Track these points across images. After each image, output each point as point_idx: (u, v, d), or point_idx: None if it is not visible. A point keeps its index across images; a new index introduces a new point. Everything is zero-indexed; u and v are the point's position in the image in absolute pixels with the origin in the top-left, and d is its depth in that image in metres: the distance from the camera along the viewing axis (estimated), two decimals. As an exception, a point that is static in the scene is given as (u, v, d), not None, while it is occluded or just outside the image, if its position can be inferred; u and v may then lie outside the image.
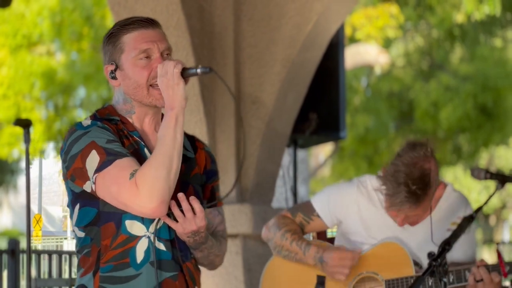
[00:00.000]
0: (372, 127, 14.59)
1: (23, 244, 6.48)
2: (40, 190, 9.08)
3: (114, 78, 2.96)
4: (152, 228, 2.87)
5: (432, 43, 15.54)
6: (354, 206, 3.87)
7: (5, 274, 6.50)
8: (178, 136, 2.82)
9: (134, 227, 2.87)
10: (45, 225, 8.97)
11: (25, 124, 4.64)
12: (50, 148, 13.61)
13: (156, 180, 2.75)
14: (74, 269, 7.37)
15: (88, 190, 2.84)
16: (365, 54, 14.59)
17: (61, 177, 8.99)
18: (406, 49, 15.76)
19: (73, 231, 2.96)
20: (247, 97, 5.46)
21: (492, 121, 14.72)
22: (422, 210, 3.74)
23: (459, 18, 14.27)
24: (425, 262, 3.73)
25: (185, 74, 2.87)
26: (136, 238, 2.86)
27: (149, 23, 2.95)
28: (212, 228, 3.10)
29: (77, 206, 2.90)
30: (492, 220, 25.39)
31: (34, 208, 8.77)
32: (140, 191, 2.75)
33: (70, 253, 7.08)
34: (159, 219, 2.87)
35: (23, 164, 17.31)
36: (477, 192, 20.46)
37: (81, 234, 2.91)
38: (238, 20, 5.47)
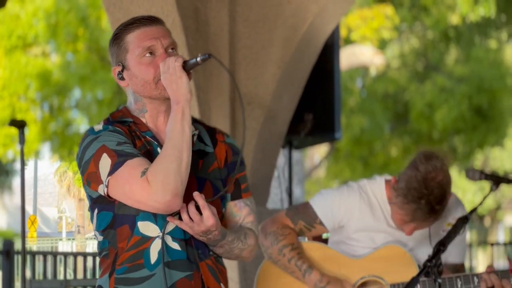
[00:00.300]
0: (367, 128, 14.57)
1: (17, 245, 6.48)
2: (35, 191, 9.08)
3: (122, 79, 2.97)
4: (166, 229, 2.86)
5: (427, 44, 15.55)
6: (356, 212, 3.86)
7: (-1, 275, 6.50)
8: (186, 129, 2.82)
9: (147, 228, 2.87)
10: (40, 226, 8.95)
11: (20, 124, 4.63)
12: (45, 149, 13.60)
13: (167, 174, 2.75)
14: (69, 270, 7.37)
15: (102, 193, 2.86)
16: (360, 55, 14.59)
17: (56, 178, 9.01)
18: (401, 50, 15.78)
19: (94, 235, 2.98)
20: (242, 98, 5.46)
21: (487, 122, 14.74)
22: (435, 219, 3.74)
23: (454, 19, 14.29)
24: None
25: (186, 66, 2.88)
26: (150, 239, 2.86)
27: (151, 20, 2.97)
28: (240, 221, 3.06)
29: (96, 211, 2.93)
30: (487, 221, 25.42)
31: (29, 209, 8.76)
32: (152, 186, 2.75)
33: (65, 254, 7.08)
34: (167, 222, 2.86)
35: (18, 165, 17.27)
36: (472, 193, 20.47)
37: (101, 238, 2.94)
38: (233, 21, 5.47)
